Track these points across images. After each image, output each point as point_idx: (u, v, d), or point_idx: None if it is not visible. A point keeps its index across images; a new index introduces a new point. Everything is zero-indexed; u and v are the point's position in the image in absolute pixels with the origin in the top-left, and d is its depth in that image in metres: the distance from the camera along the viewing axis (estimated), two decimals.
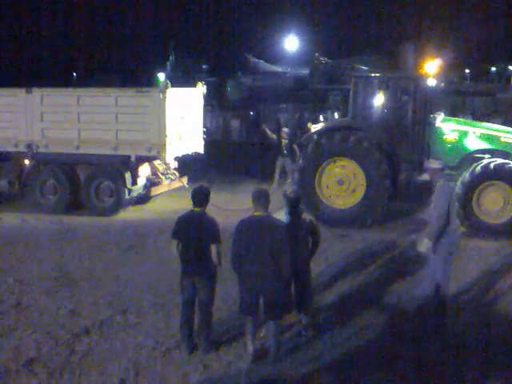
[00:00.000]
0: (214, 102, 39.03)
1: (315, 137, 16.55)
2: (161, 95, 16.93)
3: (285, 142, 20.20)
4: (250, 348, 8.58)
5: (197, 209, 8.87)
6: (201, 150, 19.44)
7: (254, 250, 8.38)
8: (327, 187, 16.44)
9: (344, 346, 9.01)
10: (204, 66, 50.07)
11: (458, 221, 9.97)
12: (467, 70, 39.94)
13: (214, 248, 8.68)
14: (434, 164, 10.24)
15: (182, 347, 8.85)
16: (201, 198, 8.90)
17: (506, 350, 8.97)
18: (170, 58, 49.78)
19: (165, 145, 17.07)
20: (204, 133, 19.65)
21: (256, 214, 8.55)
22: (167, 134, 17.06)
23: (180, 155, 18.50)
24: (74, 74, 50.82)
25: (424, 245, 9.83)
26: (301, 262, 9.31)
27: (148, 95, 17.36)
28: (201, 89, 19.31)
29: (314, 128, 17.40)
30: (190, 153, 18.95)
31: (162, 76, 46.44)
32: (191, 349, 8.78)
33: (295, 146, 19.88)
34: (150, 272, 12.35)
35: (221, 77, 43.28)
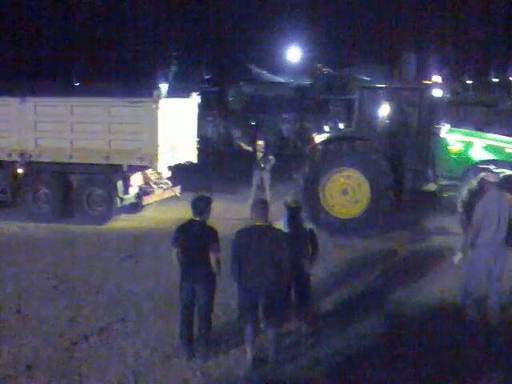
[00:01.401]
0: (216, 112, 39.06)
1: (322, 146, 16.56)
2: (153, 105, 16.96)
3: (260, 155, 19.63)
4: (250, 355, 8.56)
5: (197, 218, 8.86)
6: (194, 160, 19.45)
7: (254, 259, 8.38)
8: (331, 196, 16.43)
9: (343, 353, 8.98)
10: (206, 77, 50.09)
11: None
12: (468, 82, 39.99)
13: (213, 257, 8.68)
14: (490, 177, 10.27)
15: (181, 354, 8.83)
16: (201, 207, 8.89)
17: None
18: (172, 68, 49.79)
19: (157, 154, 17.10)
20: (198, 143, 19.65)
21: (256, 223, 8.55)
22: (160, 143, 17.09)
23: (173, 165, 18.52)
24: (76, 83, 50.86)
25: (457, 258, 10.23)
26: (301, 271, 9.31)
27: (141, 105, 17.36)
28: (195, 99, 19.34)
29: (319, 138, 17.38)
30: (183, 162, 18.97)
31: (164, 87, 46.48)
32: (190, 355, 8.76)
33: (271, 157, 19.72)
34: (149, 279, 12.34)
35: (222, 86, 43.26)
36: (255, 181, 19.61)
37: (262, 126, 37.26)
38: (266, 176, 19.59)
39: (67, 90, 36.58)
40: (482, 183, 10.59)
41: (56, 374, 8.39)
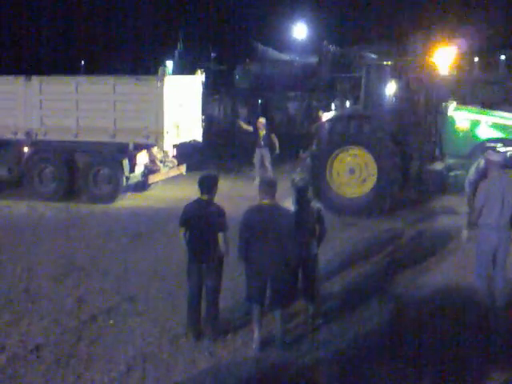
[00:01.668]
0: (222, 90, 38.92)
1: (329, 125, 16.50)
2: (159, 83, 16.95)
3: (262, 132, 19.70)
4: (257, 335, 8.59)
5: (204, 197, 8.84)
6: (199, 138, 19.44)
7: (261, 239, 8.38)
8: (338, 175, 16.41)
9: (350, 335, 9.01)
10: (212, 54, 49.90)
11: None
12: (476, 59, 39.70)
13: (221, 236, 8.69)
14: (493, 156, 10.15)
15: (189, 334, 8.87)
16: (208, 185, 8.87)
17: None
18: (179, 46, 49.59)
19: (163, 132, 17.14)
20: (203, 121, 19.64)
21: (263, 202, 8.54)
22: (165, 121, 17.14)
23: (178, 143, 18.53)
24: (82, 61, 50.79)
25: (464, 235, 10.26)
26: (308, 250, 9.31)
27: (146, 83, 17.39)
28: (200, 77, 19.31)
29: (326, 116, 17.31)
30: (188, 141, 18.98)
31: (170, 64, 46.36)
32: (198, 336, 8.81)
33: (273, 136, 19.72)
34: (158, 259, 12.39)
35: (228, 64, 43.09)
36: (257, 160, 19.63)
37: (267, 104, 37.13)
38: (266, 154, 19.62)
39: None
40: (486, 162, 10.47)
41: (64, 353, 8.44)
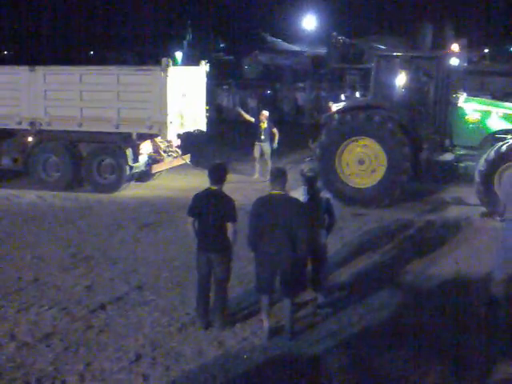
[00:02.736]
0: (231, 81, 38.94)
1: (338, 115, 16.47)
2: (162, 73, 16.98)
3: (264, 125, 19.46)
4: (266, 325, 8.60)
5: (214, 187, 8.84)
6: (203, 128, 19.45)
7: (270, 228, 8.37)
8: (347, 166, 16.39)
9: (359, 325, 9.01)
10: (221, 45, 49.93)
11: None
12: (486, 50, 39.58)
13: (230, 226, 8.68)
14: None
15: (197, 324, 8.88)
16: (218, 175, 8.86)
17: None
18: (187, 36, 49.61)
19: (166, 122, 17.15)
20: (207, 111, 19.64)
21: (273, 192, 8.53)
22: (169, 111, 17.14)
23: (182, 133, 18.55)
24: (91, 52, 50.86)
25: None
26: (317, 241, 9.31)
27: (150, 73, 17.40)
28: (204, 67, 19.31)
29: (336, 107, 17.27)
30: (192, 131, 18.99)
31: (179, 55, 46.39)
32: (207, 325, 8.82)
33: (274, 130, 19.64)
34: (166, 249, 12.40)
35: (237, 55, 43.14)
36: (257, 153, 19.48)
37: (275, 95, 37.12)
38: (266, 148, 19.52)
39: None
40: None
41: (73, 342, 8.45)
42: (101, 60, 45.03)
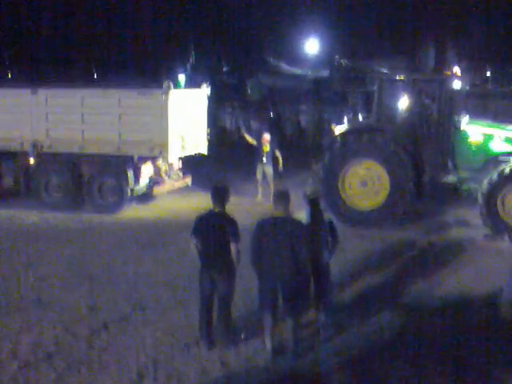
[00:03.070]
0: (235, 103, 39.04)
1: (341, 137, 16.51)
2: (163, 96, 17.04)
3: (266, 149, 19.34)
4: (269, 345, 8.58)
5: (217, 209, 8.86)
6: (204, 151, 19.49)
7: (273, 249, 8.39)
8: (350, 188, 16.41)
9: (362, 345, 8.99)
10: (225, 68, 50.10)
11: None
12: (488, 73, 39.65)
13: (233, 247, 8.69)
14: None
15: (200, 343, 8.86)
16: (221, 196, 8.90)
17: None
18: (190, 59, 49.81)
19: (167, 145, 17.20)
20: (208, 134, 19.68)
21: (276, 213, 8.56)
22: (170, 134, 17.20)
23: (183, 156, 18.60)
24: (95, 74, 51.01)
25: None
26: (320, 261, 9.31)
27: (151, 96, 17.43)
28: (205, 90, 19.38)
29: (338, 129, 17.30)
30: (193, 153, 19.03)
31: (182, 78, 46.52)
32: (210, 345, 8.79)
33: (278, 153, 19.62)
34: (169, 269, 12.40)
35: (240, 78, 43.26)
36: (259, 175, 19.44)
37: (279, 117, 37.21)
38: (269, 171, 19.47)
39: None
40: None
41: (76, 361, 8.44)
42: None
